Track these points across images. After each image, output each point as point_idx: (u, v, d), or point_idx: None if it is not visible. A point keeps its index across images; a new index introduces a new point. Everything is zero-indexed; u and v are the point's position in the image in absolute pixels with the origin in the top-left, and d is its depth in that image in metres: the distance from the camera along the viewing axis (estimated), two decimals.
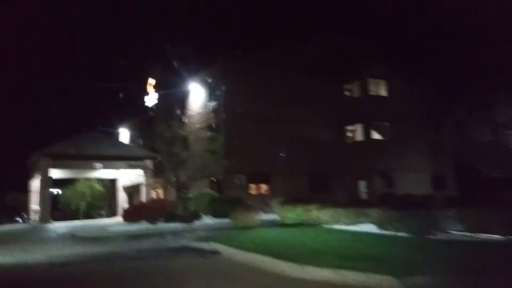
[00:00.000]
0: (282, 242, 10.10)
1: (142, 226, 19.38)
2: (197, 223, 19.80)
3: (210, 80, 28.11)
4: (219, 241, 10.73)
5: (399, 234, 11.07)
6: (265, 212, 22.19)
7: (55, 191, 52.55)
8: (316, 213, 14.08)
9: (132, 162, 27.33)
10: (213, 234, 14.58)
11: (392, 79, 30.62)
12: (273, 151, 26.66)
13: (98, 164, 29.04)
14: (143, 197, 29.79)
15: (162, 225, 19.24)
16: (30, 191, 33.56)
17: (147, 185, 29.91)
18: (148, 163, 27.67)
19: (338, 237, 10.88)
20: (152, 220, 20.03)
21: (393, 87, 30.64)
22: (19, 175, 36.72)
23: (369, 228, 12.32)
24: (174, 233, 16.40)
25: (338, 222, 13.49)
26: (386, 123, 29.87)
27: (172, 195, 26.00)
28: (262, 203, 23.18)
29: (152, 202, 23.96)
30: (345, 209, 13.68)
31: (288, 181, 26.75)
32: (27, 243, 15.20)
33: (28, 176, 33.83)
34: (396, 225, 11.21)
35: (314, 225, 13.89)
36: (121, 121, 42.15)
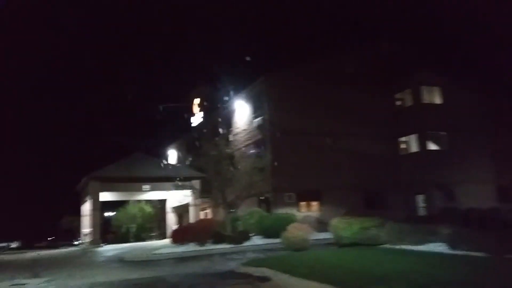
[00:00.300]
0: (340, 267, 8.96)
1: (190, 248, 18.75)
2: (246, 244, 18.94)
3: (254, 97, 27.46)
4: (269, 266, 9.72)
5: (473, 254, 9.66)
6: (317, 230, 21.01)
7: (108, 214, 53.65)
8: (376, 231, 12.77)
9: (179, 183, 27.04)
10: (263, 256, 13.64)
11: (447, 85, 28.75)
12: (323, 167, 25.46)
13: (146, 186, 28.92)
14: (191, 218, 29.32)
15: (210, 247, 18.53)
16: (82, 215, 34.00)
17: (195, 205, 29.48)
18: (195, 183, 27.27)
19: (406, 259, 9.57)
20: (200, 242, 19.36)
21: (448, 93, 28.73)
22: (73, 200, 37.39)
23: (439, 247, 10.91)
24: (223, 255, 15.62)
25: (401, 242, 12.13)
26: (443, 132, 27.95)
27: (221, 215, 25.35)
28: (313, 221, 21.98)
29: (200, 222, 23.33)
30: (410, 226, 12.28)
31: (339, 197, 25.39)
32: (74, 268, 14.86)
33: (80, 200, 34.35)
34: (470, 244, 9.80)
35: (373, 245, 12.59)
36: (169, 142, 42.36)
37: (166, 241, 28.10)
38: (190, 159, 34.09)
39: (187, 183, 26.75)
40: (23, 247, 67.33)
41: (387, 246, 12.35)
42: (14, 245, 78.54)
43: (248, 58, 25.42)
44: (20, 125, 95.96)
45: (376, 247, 12.27)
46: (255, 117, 27.03)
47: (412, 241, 11.91)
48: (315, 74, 26.42)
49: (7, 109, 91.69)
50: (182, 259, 15.40)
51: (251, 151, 24.61)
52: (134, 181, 28.59)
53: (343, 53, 28.73)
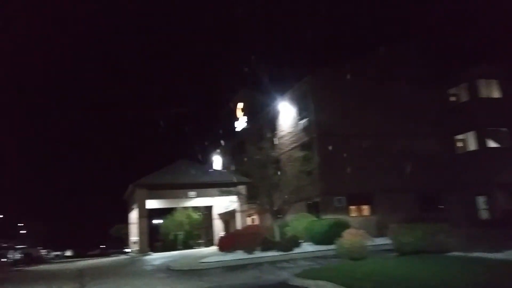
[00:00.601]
0: (414, 280, 7.85)
1: (238, 255, 18.05)
2: (296, 251, 18.04)
3: (299, 98, 26.56)
4: (328, 278, 8.73)
5: None
6: (372, 236, 19.79)
7: (155, 221, 54.12)
8: (443, 237, 11.52)
9: (225, 189, 26.62)
10: (317, 265, 12.72)
11: (505, 78, 26.76)
12: (374, 168, 24.16)
13: (192, 193, 28.61)
14: (238, 224, 28.72)
15: (259, 255, 17.75)
16: (130, 223, 34.20)
17: (241, 211, 28.87)
18: (241, 188, 26.71)
19: (494, 271, 8.30)
20: (248, 249, 18.63)
21: (507, 86, 26.73)
22: (122, 208, 37.67)
23: None
24: (272, 263, 14.81)
25: (473, 249, 10.85)
26: (503, 129, 26.00)
27: (268, 221, 24.58)
28: (368, 226, 20.75)
29: (247, 229, 22.63)
30: (479, 231, 10.98)
31: (392, 200, 23.99)
32: (120, 279, 14.49)
33: (128, 208, 34.58)
34: None
35: (440, 252, 11.35)
36: (213, 148, 42.10)
37: (213, 248, 27.62)
38: (235, 164, 33.67)
39: (233, 188, 26.37)
40: (76, 256, 69.37)
41: (457, 253, 11.07)
42: (68, 253, 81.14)
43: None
44: (70, 135, 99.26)
45: (445, 255, 11.03)
46: (301, 119, 26.10)
47: (486, 248, 10.60)
48: (362, 73, 25.13)
49: (54, 122, 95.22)
50: (230, 268, 14.71)
51: (298, 154, 23.65)
52: (180, 188, 28.35)
53: (390, 50, 27.26)
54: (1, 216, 55.40)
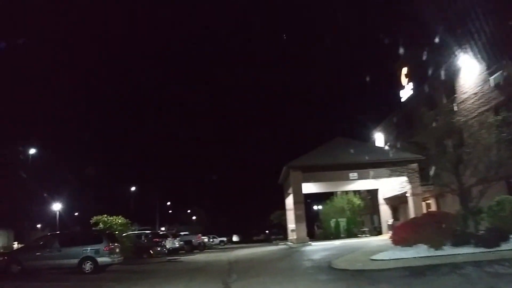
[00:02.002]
0: None
1: (421, 251, 13.70)
2: (505, 247, 12.99)
3: (490, 45, 20.50)
4: None
5: None
6: None
7: (314, 208, 51.71)
8: None
9: (394, 168, 22.44)
10: None
11: None
12: None
13: (353, 174, 24.79)
14: (411, 211, 24.03)
15: (450, 251, 13.20)
16: (287, 209, 31.83)
17: (414, 195, 24.03)
18: (414, 167, 21.91)
19: None
20: (434, 243, 14.12)
21: None
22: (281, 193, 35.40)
23: None
24: (477, 265, 10.36)
25: None
26: None
27: (449, 206, 19.52)
28: None
29: (428, 217, 17.84)
30: None
31: None
32: (272, 278, 11.63)
33: (284, 193, 32.27)
34: None
35: None
36: (373, 124, 37.24)
37: (382, 238, 23.53)
38: (402, 140, 28.83)
39: (403, 167, 22.14)
40: (242, 241, 71.23)
41: None
42: (235, 238, 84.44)
43: None
44: (216, 122, 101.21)
45: None
46: (491, 74, 20.13)
47: None
48: None
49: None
50: (415, 270, 10.66)
51: (490, 119, 17.99)
52: (339, 169, 24.85)
53: None
54: (169, 203, 58.90)
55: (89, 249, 15.25)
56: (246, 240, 70.27)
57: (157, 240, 23.85)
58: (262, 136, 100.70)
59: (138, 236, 24.22)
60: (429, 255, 12.95)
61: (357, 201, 36.54)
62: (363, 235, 34.24)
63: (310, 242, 24.16)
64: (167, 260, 20.85)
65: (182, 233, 36.45)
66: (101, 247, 15.31)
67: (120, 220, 20.50)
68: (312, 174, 24.89)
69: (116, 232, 19.64)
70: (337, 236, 29.46)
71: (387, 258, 12.99)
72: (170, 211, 65.69)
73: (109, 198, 48.13)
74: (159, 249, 22.51)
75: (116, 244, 16.31)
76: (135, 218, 43.81)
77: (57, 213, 39.52)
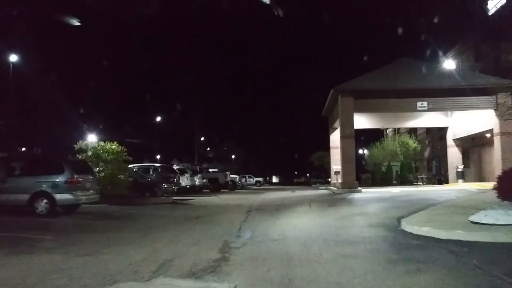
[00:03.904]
0: None
1: None
2: None
3: None
4: None
5: None
6: None
7: (361, 151, 46.11)
8: None
9: (475, 98, 16.67)
10: None
11: None
12: None
13: (422, 103, 18.87)
14: (497, 155, 18.24)
15: None
16: (332, 147, 26.46)
17: (504, 134, 18.06)
18: (504, 97, 15.91)
19: None
20: None
21: None
22: (324, 130, 29.75)
23: None
24: None
25: None
26: None
27: None
28: None
29: None
30: None
31: None
32: (299, 242, 6.61)
33: (329, 128, 26.74)
34: None
35: None
36: (448, 43, 29.66)
37: (454, 188, 18.16)
38: (485, 64, 22.69)
39: (487, 98, 16.68)
40: (282, 183, 67.11)
41: None
42: (274, 179, 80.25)
43: None
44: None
45: None
46: None
47: None
48: None
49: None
50: None
51: None
52: (404, 96, 19.05)
53: None
54: (202, 138, 54.65)
55: (44, 182, 10.72)
56: (286, 182, 66.15)
57: (168, 175, 19.26)
58: (310, 66, 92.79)
59: (146, 170, 19.81)
60: None
61: (412, 144, 30.99)
62: (419, 183, 28.93)
63: (360, 188, 18.92)
64: (172, 201, 16.30)
65: (210, 170, 32.04)
66: (61, 179, 10.68)
67: (114, 146, 15.70)
68: (366, 102, 19.25)
69: (104, 162, 15.11)
70: (388, 183, 24.16)
71: (500, 223, 7.62)
72: (208, 148, 61.80)
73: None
74: (166, 186, 17.90)
75: (88, 176, 11.62)
76: (176, 155, 41.26)
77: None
